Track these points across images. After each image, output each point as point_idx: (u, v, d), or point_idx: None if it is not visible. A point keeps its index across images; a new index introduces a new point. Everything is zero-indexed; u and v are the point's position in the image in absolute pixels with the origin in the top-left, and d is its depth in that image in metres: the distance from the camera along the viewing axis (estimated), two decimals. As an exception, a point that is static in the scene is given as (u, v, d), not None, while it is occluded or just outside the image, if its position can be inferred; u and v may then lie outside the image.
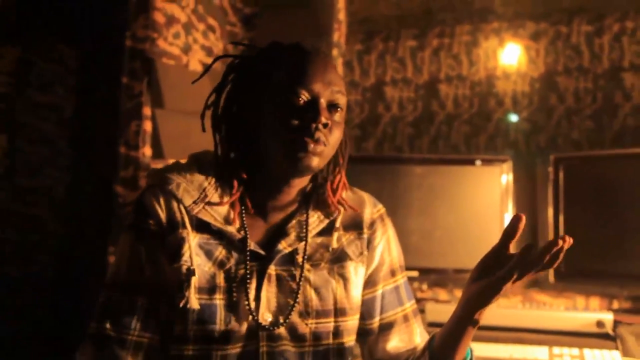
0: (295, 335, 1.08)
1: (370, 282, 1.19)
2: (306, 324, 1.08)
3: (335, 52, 2.81)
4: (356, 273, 1.16)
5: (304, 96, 1.05)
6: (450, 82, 3.15)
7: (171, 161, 1.17)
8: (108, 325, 1.04)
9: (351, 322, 1.15)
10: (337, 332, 1.12)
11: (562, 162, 2.35)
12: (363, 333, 1.21)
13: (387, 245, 1.21)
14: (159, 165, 2.25)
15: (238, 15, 2.80)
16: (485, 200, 2.39)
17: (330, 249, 1.13)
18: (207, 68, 1.18)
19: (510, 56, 3.06)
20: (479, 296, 0.99)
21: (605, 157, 2.40)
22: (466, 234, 2.35)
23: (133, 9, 2.28)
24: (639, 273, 2.13)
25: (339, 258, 1.14)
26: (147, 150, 2.25)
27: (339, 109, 1.08)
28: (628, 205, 2.21)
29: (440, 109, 3.15)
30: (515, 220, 0.98)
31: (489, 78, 3.09)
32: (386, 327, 1.20)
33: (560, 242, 0.93)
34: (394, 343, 1.19)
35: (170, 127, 2.28)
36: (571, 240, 0.94)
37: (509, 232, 0.99)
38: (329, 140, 1.05)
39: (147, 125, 2.26)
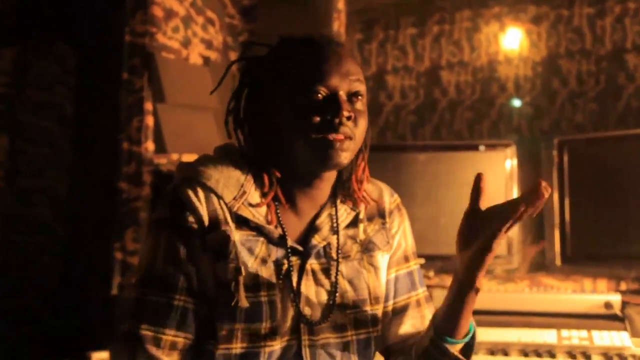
0: (336, 326, 1.09)
1: (387, 267, 1.21)
2: (346, 315, 1.10)
3: (335, 41, 2.80)
4: (384, 261, 1.18)
5: (323, 92, 1.03)
6: (451, 68, 3.13)
7: (174, 157, 1.15)
8: (143, 325, 1.02)
9: (382, 310, 1.17)
10: (374, 320, 1.14)
11: (566, 145, 2.34)
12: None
13: (403, 232, 1.23)
14: (162, 160, 2.25)
15: (237, 7, 2.79)
16: (490, 185, 2.37)
17: (359, 240, 1.14)
18: (222, 77, 1.16)
19: (511, 41, 3.04)
20: (473, 261, 0.99)
21: (609, 139, 2.39)
22: (471, 220, 2.34)
23: (131, 4, 2.28)
24: (646, 254, 2.13)
25: (368, 248, 1.16)
26: (150, 145, 2.25)
27: (359, 97, 1.06)
28: (633, 187, 2.20)
29: (442, 96, 3.14)
30: (477, 180, 1.01)
31: (491, 63, 3.07)
32: (400, 311, 1.21)
33: (542, 190, 0.92)
34: (406, 327, 1.20)
35: (172, 121, 2.28)
36: (549, 189, 0.94)
37: (476, 193, 1.01)
38: (354, 133, 1.04)
39: (149, 120, 2.26)
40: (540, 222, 2.49)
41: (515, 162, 2.38)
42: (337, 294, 1.09)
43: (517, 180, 2.37)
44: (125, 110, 2.27)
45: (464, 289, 1.03)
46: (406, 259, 1.23)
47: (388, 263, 1.20)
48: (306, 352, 1.06)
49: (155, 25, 2.28)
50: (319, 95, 1.03)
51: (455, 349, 1.07)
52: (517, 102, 3.02)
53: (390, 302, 1.21)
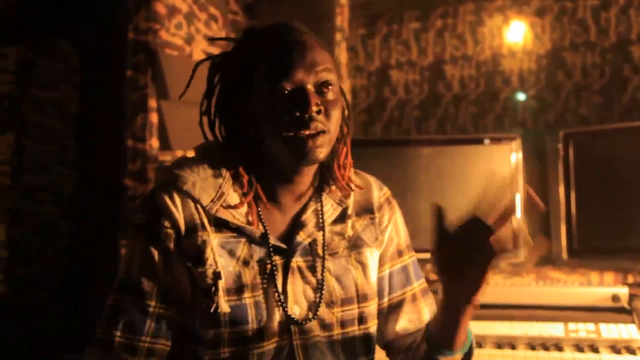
0: (324, 325, 1.06)
1: (380, 263, 1.18)
2: (333, 313, 1.07)
3: (338, 36, 2.80)
4: (373, 258, 1.15)
5: (288, 87, 0.99)
6: (455, 62, 3.13)
7: (179, 153, 1.13)
8: (118, 332, 0.99)
9: (373, 307, 1.14)
10: (361, 318, 1.11)
11: (572, 138, 2.33)
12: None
13: (394, 226, 1.20)
14: (167, 156, 2.25)
15: (240, 4, 2.79)
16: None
17: (346, 237, 1.12)
18: (191, 76, 1.12)
19: (515, 34, 3.03)
20: (469, 286, 0.96)
21: (615, 131, 2.37)
22: (477, 214, 2.34)
23: (134, 1, 2.27)
24: (653, 246, 2.12)
25: (356, 245, 1.13)
26: (155, 142, 2.25)
27: (330, 87, 1.01)
28: (639, 179, 2.19)
29: (446, 90, 3.13)
30: (438, 210, 0.97)
31: (495, 57, 3.06)
32: (395, 307, 1.19)
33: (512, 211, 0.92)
34: (403, 323, 1.18)
35: (177, 118, 2.28)
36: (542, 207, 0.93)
37: (440, 221, 0.97)
38: (327, 126, 1.00)
39: (154, 117, 2.25)
40: (546, 216, 2.49)
41: (520, 155, 2.36)
42: (324, 292, 1.06)
43: (523, 173, 2.36)
44: (130, 107, 2.27)
45: (459, 306, 1.00)
46: (400, 253, 1.20)
47: (381, 259, 1.18)
48: (299, 352, 1.04)
49: (158, 22, 2.27)
50: (285, 91, 0.99)
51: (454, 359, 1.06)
52: (521, 96, 3.01)
53: (385, 299, 1.18)
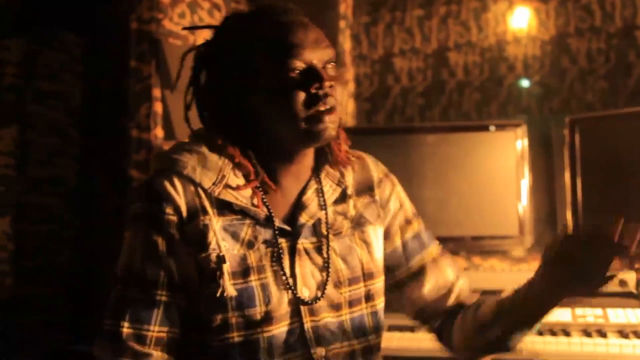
0: (333, 306, 1.06)
1: (389, 236, 1.18)
2: (341, 293, 1.07)
3: (342, 24, 2.78)
4: (376, 236, 1.15)
5: (299, 66, 0.99)
6: (459, 49, 3.11)
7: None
8: (126, 323, 1.00)
9: (379, 284, 1.14)
10: (368, 296, 1.11)
11: (578, 124, 2.32)
12: (397, 286, 1.20)
13: (397, 197, 1.20)
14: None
15: (242, -8, 2.77)
16: (501, 166, 2.37)
17: (349, 216, 1.12)
18: (180, 67, 1.11)
19: (519, 19, 3.01)
20: (574, 291, 1.01)
21: (620, 117, 2.36)
22: (482, 201, 2.34)
23: (137, -9, 2.27)
24: (659, 231, 2.11)
25: (359, 224, 1.13)
26: (159, 132, 2.25)
27: (332, 63, 1.03)
28: (645, 164, 2.18)
29: (450, 77, 3.11)
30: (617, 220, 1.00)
31: (499, 43, 3.04)
32: (417, 274, 1.19)
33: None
34: (430, 287, 1.18)
35: (181, 107, 2.27)
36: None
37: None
38: (338, 100, 1.01)
39: (158, 107, 2.25)
40: (551, 203, 2.48)
41: (526, 142, 2.36)
42: (331, 272, 1.06)
43: (528, 160, 2.36)
44: (134, 97, 2.27)
45: (550, 304, 1.04)
46: (408, 222, 1.20)
47: (389, 233, 1.18)
48: (310, 334, 1.03)
49: (161, 11, 2.27)
50: (296, 71, 0.99)
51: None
52: (526, 82, 2.99)
53: (405, 268, 1.19)
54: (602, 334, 1.75)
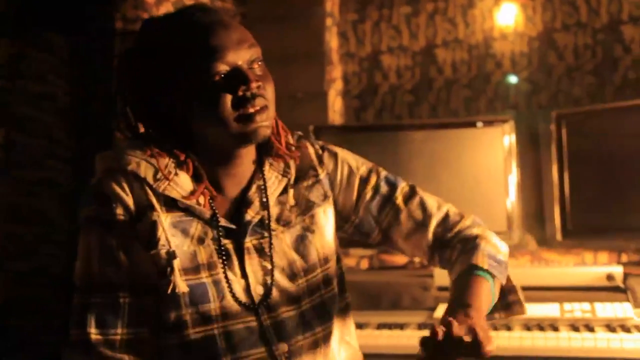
0: (291, 299, 1.05)
1: (353, 204, 1.15)
2: (298, 285, 1.06)
3: (329, 22, 2.78)
4: (326, 216, 1.12)
5: (223, 69, 0.96)
6: (447, 46, 3.12)
7: None
8: (92, 330, 0.97)
9: (333, 266, 1.13)
10: (326, 280, 1.10)
11: (564, 119, 2.33)
12: (382, 243, 1.18)
13: (344, 164, 1.16)
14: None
15: (228, -9, 2.76)
16: (489, 162, 2.37)
17: (290, 206, 1.09)
18: (119, 70, 1.06)
19: (506, 16, 3.02)
20: None
21: (607, 111, 2.37)
22: (471, 197, 2.34)
23: (121, -10, 2.26)
24: (646, 225, 2.12)
25: (307, 208, 1.10)
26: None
27: (259, 62, 1.00)
28: (632, 158, 2.20)
29: (438, 74, 3.12)
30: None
31: (486, 40, 3.06)
32: (390, 227, 1.15)
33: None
34: (404, 234, 1.15)
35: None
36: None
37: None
38: (268, 99, 0.99)
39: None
40: (539, 198, 2.49)
41: (513, 137, 2.36)
42: (283, 266, 1.05)
43: (516, 155, 2.36)
44: (120, 98, 2.26)
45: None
46: (365, 181, 1.15)
47: (352, 199, 1.14)
48: (270, 331, 1.02)
49: (146, 10, 2.26)
50: (220, 74, 0.96)
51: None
52: (513, 78, 3.00)
53: (377, 229, 1.15)
54: (590, 328, 1.76)
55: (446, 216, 1.17)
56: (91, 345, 0.98)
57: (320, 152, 1.15)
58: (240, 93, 0.96)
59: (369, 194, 1.15)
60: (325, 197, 1.13)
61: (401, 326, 1.88)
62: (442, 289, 2.01)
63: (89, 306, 0.99)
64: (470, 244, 1.13)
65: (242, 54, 0.98)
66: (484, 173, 2.36)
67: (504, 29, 3.03)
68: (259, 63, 1.00)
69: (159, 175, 0.99)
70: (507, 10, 3.03)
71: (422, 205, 1.16)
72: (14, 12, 2.42)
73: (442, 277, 2.04)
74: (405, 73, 3.16)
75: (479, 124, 2.40)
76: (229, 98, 0.96)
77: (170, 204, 1.00)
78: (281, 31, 2.61)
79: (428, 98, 3.11)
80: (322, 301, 1.09)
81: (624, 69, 2.80)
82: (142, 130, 1.06)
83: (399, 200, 1.15)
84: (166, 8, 2.34)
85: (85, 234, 1.02)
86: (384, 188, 1.15)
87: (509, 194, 2.30)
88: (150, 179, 0.99)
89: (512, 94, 2.99)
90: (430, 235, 1.15)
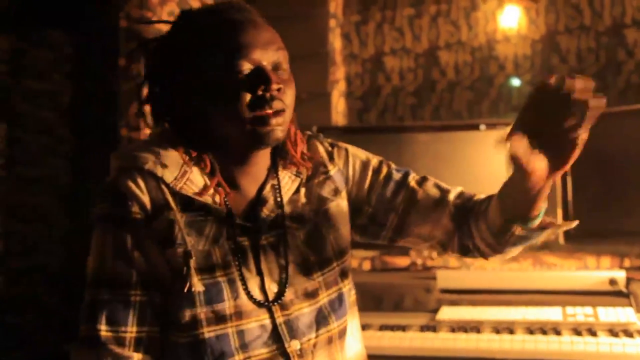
0: (307, 294, 1.05)
1: (366, 196, 1.15)
2: (314, 280, 1.06)
3: (332, 23, 2.78)
4: (339, 210, 1.13)
5: (246, 68, 0.97)
6: (450, 48, 3.11)
7: None
8: (102, 327, 0.98)
9: (348, 260, 1.13)
10: (343, 273, 1.10)
11: (568, 123, 2.32)
12: (397, 232, 1.16)
13: (355, 159, 1.17)
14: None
15: (232, -9, 2.76)
16: (492, 164, 2.37)
17: (302, 203, 1.10)
18: (132, 57, 1.10)
19: (509, 18, 3.02)
20: (561, 150, 0.89)
21: (610, 115, 2.36)
22: (473, 200, 2.34)
23: (126, -11, 2.25)
24: (649, 230, 2.12)
25: (319, 204, 1.11)
26: (149, 132, 2.23)
27: (284, 66, 1.00)
28: (635, 162, 2.19)
29: (441, 76, 3.12)
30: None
31: (489, 42, 3.05)
32: (407, 211, 1.14)
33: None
34: (423, 213, 1.14)
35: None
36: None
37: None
38: (286, 104, 0.99)
39: (147, 107, 2.23)
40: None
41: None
42: (298, 262, 1.05)
43: (519, 159, 2.36)
44: (123, 96, 2.25)
45: (548, 175, 0.93)
46: (377, 172, 1.16)
47: (364, 192, 1.15)
48: (283, 329, 1.02)
49: (150, 10, 2.25)
50: (243, 72, 0.97)
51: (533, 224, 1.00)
52: (516, 81, 3.00)
53: (393, 215, 1.14)
54: (592, 332, 1.76)
55: (462, 192, 1.16)
56: (100, 342, 0.98)
57: (330, 149, 1.16)
58: (259, 93, 0.96)
59: (382, 182, 1.15)
60: (337, 191, 1.13)
61: (403, 328, 1.87)
62: (444, 291, 2.01)
63: (100, 303, 0.99)
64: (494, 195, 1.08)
65: (268, 55, 0.98)
66: (486, 176, 2.35)
67: (507, 31, 3.03)
68: (285, 67, 1.00)
69: (176, 174, 1.00)
70: (510, 12, 3.03)
71: (437, 185, 1.16)
72: (16, 10, 2.42)
73: (444, 279, 2.04)
74: (408, 75, 3.16)
75: (482, 127, 2.40)
76: (247, 97, 0.97)
77: (186, 202, 1.01)
78: (284, 32, 2.59)
79: (431, 100, 3.11)
80: (340, 294, 1.09)
81: (627, 73, 2.80)
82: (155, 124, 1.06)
83: (413, 183, 1.15)
84: (170, 8, 2.34)
85: (99, 231, 1.01)
86: (396, 175, 1.16)
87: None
88: (167, 178, 1.00)
89: (515, 97, 2.99)
90: (451, 207, 1.12)
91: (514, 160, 0.90)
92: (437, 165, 2.40)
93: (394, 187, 1.15)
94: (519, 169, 0.92)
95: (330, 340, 1.07)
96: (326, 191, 1.12)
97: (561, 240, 2.27)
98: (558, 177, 0.95)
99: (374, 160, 1.18)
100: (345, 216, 1.14)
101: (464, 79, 3.08)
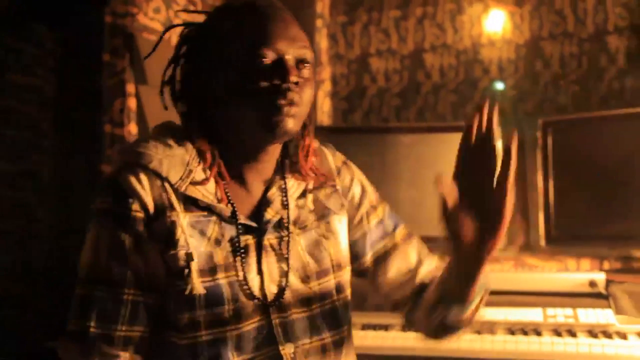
0: (302, 300, 1.06)
1: (354, 224, 1.18)
2: (310, 288, 1.06)
3: (319, 23, 2.78)
4: (341, 224, 1.14)
5: (269, 56, 0.98)
6: (435, 51, 3.13)
7: None
8: (92, 323, 0.97)
9: (347, 275, 1.14)
10: (339, 287, 1.11)
11: (550, 126, 2.36)
12: (362, 273, 1.21)
13: (358, 184, 1.20)
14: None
15: (219, -11, 2.76)
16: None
17: (309, 210, 1.11)
18: (158, 40, 1.11)
19: (494, 23, 3.04)
20: (485, 231, 0.98)
21: (592, 120, 2.41)
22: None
23: (111, -15, 2.24)
24: (628, 233, 2.15)
25: (324, 215, 1.12)
26: (133, 128, 2.22)
27: (307, 65, 1.01)
28: (615, 166, 2.23)
29: (426, 78, 3.13)
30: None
31: (474, 46, 3.07)
32: (381, 260, 1.19)
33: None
34: (393, 272, 1.18)
35: (155, 103, 2.25)
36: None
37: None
38: (302, 100, 1.00)
39: (132, 103, 2.22)
40: (524, 204, 2.51)
41: (499, 143, 2.38)
42: (297, 267, 1.05)
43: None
44: (107, 92, 2.24)
45: (478, 259, 1.01)
46: (373, 207, 1.20)
47: (354, 221, 1.17)
48: (278, 331, 1.02)
49: (136, 5, 2.24)
50: (265, 58, 0.98)
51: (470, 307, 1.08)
52: (500, 85, 3.02)
53: (369, 255, 1.18)
54: (572, 333, 1.78)
55: (435, 268, 1.20)
56: (89, 339, 0.97)
57: (339, 164, 1.18)
58: (276, 82, 0.98)
59: (373, 221, 1.19)
60: (342, 206, 1.15)
61: (386, 327, 1.88)
62: (426, 291, 2.02)
63: (92, 299, 0.98)
64: None
65: (293, 50, 1.00)
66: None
67: (491, 35, 3.05)
68: (307, 66, 1.02)
69: (181, 174, 0.99)
70: (495, 17, 3.05)
71: (418, 250, 1.21)
72: (2, 5, 2.39)
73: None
74: (393, 76, 3.17)
75: (466, 129, 2.42)
76: (264, 85, 0.98)
77: (189, 202, 1.00)
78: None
79: (416, 102, 3.12)
80: (333, 307, 1.09)
81: (609, 79, 2.83)
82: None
83: (398, 238, 1.20)
84: (156, 4, 2.33)
85: (96, 225, 1.00)
86: (387, 221, 1.20)
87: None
88: (172, 179, 0.99)
89: (499, 101, 3.01)
90: (417, 281, 1.18)
91: (447, 220, 0.98)
92: (421, 167, 2.42)
93: (381, 232, 1.19)
94: (453, 235, 0.99)
95: (324, 349, 1.07)
96: (332, 203, 1.14)
97: (542, 242, 2.30)
98: (489, 254, 1.01)
99: (374, 196, 1.21)
100: (345, 232, 1.15)
101: (449, 82, 3.10)
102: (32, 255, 2.43)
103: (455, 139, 2.43)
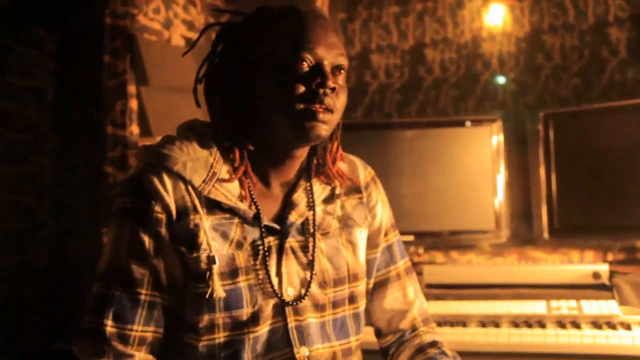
0: (317, 306, 1.06)
1: (370, 244, 1.18)
2: (325, 294, 1.07)
3: (318, 20, 2.77)
4: (362, 237, 1.15)
5: (308, 61, 1.00)
6: (436, 46, 3.12)
7: (160, 139, 1.08)
8: (108, 321, 0.97)
9: (362, 286, 1.14)
10: (352, 298, 1.11)
11: (552, 119, 2.35)
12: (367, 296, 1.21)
13: (382, 205, 1.20)
14: (147, 143, 2.23)
15: (218, -12, 2.76)
16: (477, 161, 2.39)
17: (336, 216, 1.11)
18: (197, 39, 1.12)
19: (495, 16, 3.03)
20: None
21: (593, 112, 2.40)
22: (459, 196, 2.35)
23: (110, -14, 2.24)
24: (631, 224, 2.15)
25: (347, 224, 1.13)
26: (135, 129, 2.23)
27: (342, 72, 1.03)
28: (617, 158, 2.22)
29: (427, 73, 3.13)
30: None
31: (475, 40, 3.06)
32: (380, 285, 1.20)
33: None
34: (389, 301, 1.20)
35: (157, 104, 2.26)
36: None
37: None
38: (336, 106, 1.01)
39: (133, 104, 2.23)
40: (527, 197, 2.51)
41: (501, 137, 2.38)
42: (317, 272, 1.06)
43: (504, 155, 2.38)
44: (108, 94, 2.24)
45: None
46: (386, 233, 1.21)
47: (371, 240, 1.18)
48: (293, 334, 1.03)
49: (135, 6, 2.24)
50: (305, 63, 0.99)
51: None
52: (501, 78, 3.02)
53: (372, 279, 1.19)
54: (577, 325, 1.78)
55: (425, 312, 1.23)
56: (104, 337, 0.98)
57: (368, 179, 1.19)
58: (314, 87, 0.98)
59: (381, 246, 1.20)
60: (366, 219, 1.16)
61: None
62: (431, 285, 2.02)
63: (109, 297, 0.99)
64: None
65: (331, 57, 1.01)
66: (472, 172, 2.37)
67: (492, 29, 3.04)
68: (343, 73, 1.03)
69: (205, 176, 1.00)
70: (495, 11, 3.04)
71: (414, 284, 1.22)
72: (1, 7, 2.40)
73: (431, 274, 2.06)
74: (394, 72, 3.16)
75: (468, 124, 2.42)
76: (301, 89, 0.99)
77: (213, 205, 1.01)
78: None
79: (417, 97, 3.12)
80: (344, 317, 1.10)
81: (610, 71, 2.82)
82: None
83: (402, 269, 1.21)
84: (156, 4, 2.34)
85: (117, 224, 1.01)
86: (396, 249, 1.22)
87: (497, 192, 2.32)
88: (195, 182, 0.99)
89: (500, 94, 3.00)
90: (408, 321, 1.20)
91: None
92: (423, 162, 2.42)
93: (386, 259, 1.20)
94: None
95: (334, 356, 1.07)
96: (357, 215, 1.15)
97: (546, 235, 2.30)
98: None
99: (390, 222, 1.22)
100: (364, 247, 1.16)
101: (450, 76, 3.10)
102: (33, 257, 2.44)
103: (457, 133, 2.45)
